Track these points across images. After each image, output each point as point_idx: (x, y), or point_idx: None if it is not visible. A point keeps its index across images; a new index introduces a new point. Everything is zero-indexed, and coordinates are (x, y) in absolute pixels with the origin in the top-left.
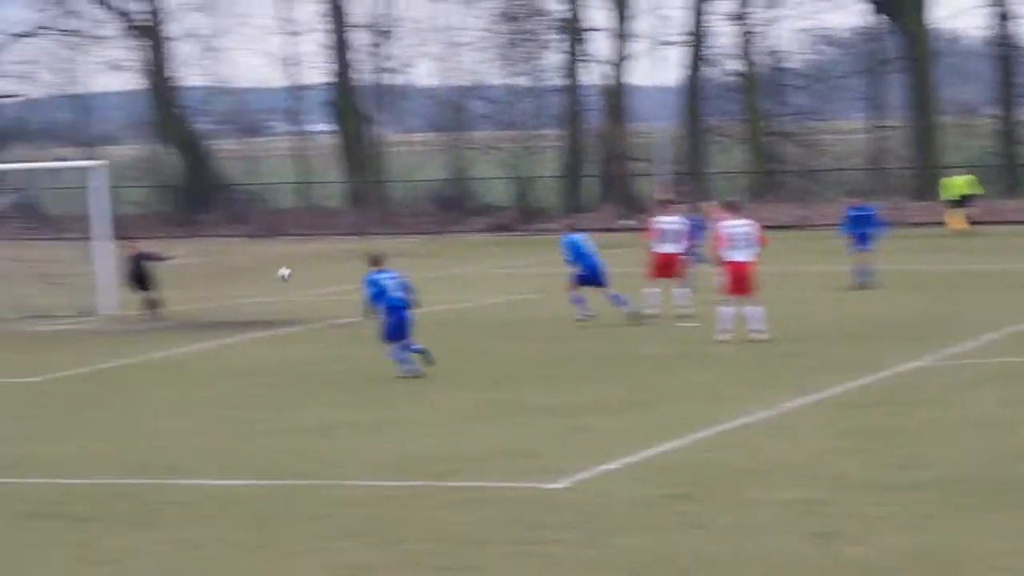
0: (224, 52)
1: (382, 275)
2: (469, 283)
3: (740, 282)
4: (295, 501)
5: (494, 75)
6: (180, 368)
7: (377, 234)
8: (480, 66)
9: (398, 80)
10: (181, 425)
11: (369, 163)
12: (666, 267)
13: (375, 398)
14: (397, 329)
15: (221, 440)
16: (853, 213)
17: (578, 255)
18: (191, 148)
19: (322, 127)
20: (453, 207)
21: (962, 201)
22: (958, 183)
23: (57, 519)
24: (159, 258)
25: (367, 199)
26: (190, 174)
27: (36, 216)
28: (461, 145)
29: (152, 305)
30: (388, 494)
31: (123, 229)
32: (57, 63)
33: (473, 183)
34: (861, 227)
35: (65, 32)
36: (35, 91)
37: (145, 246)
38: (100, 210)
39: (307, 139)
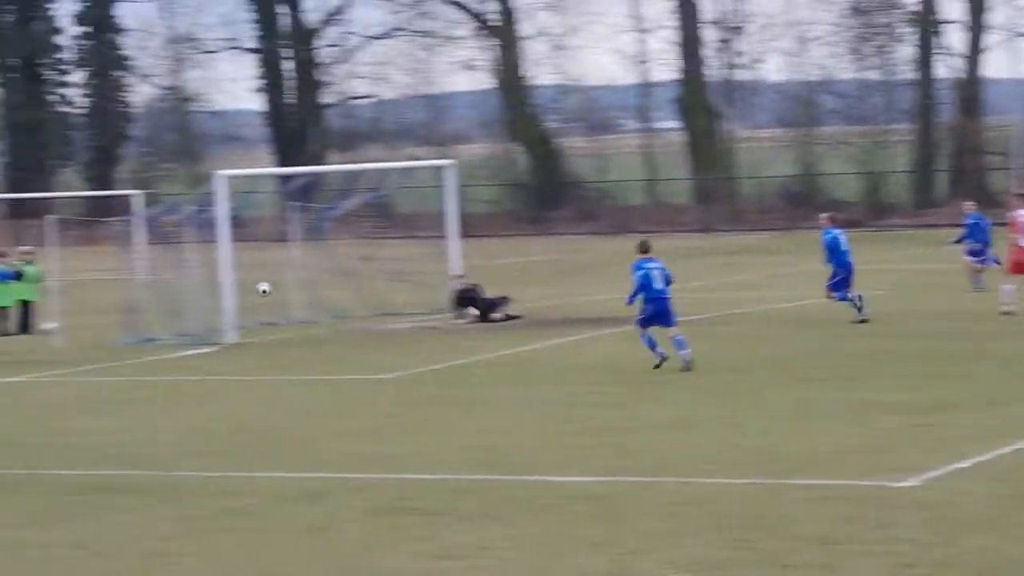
0: (574, 50)
1: (649, 264)
2: (816, 279)
3: None
4: (641, 497)
5: (844, 69)
6: (529, 365)
7: (724, 230)
8: (830, 60)
9: (747, 76)
10: (528, 421)
11: (717, 159)
12: None
13: (720, 394)
14: (654, 317)
15: (567, 436)
16: None
17: (835, 253)
18: (541, 146)
19: (671, 124)
20: (801, 203)
21: None
22: None
23: (406, 514)
24: (496, 303)
25: (715, 196)
26: (540, 172)
27: (388, 215)
28: (810, 140)
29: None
30: (733, 491)
31: (474, 227)
32: (411, 64)
33: (822, 178)
34: None
35: (419, 33)
36: (389, 92)
37: (485, 291)
38: (451, 208)
39: (656, 136)
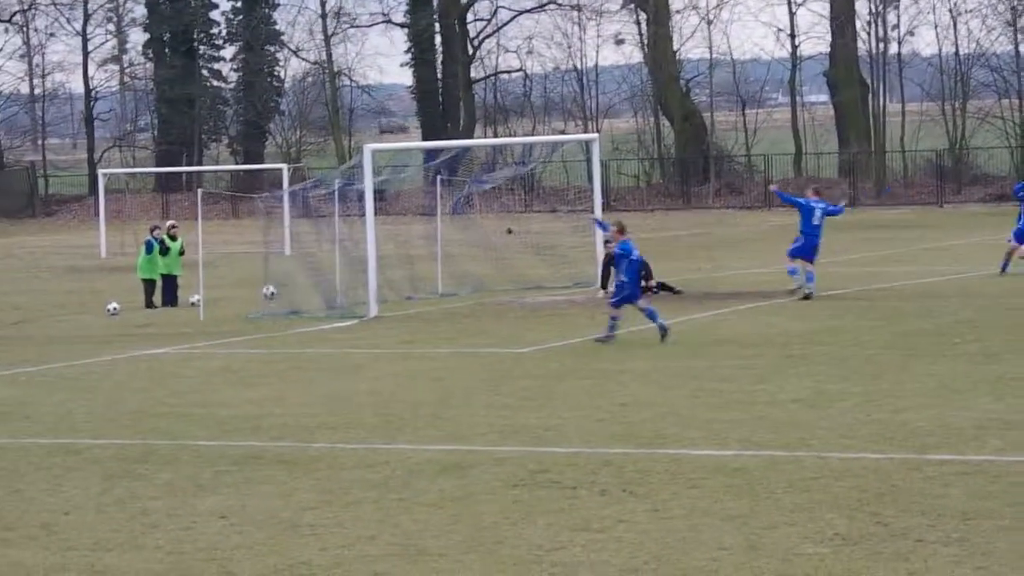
0: (724, 24)
1: (627, 244)
2: (964, 254)
3: None
4: (778, 471)
5: (998, 43)
6: (668, 339)
7: (871, 205)
8: (984, 33)
9: (899, 49)
10: (667, 395)
11: (866, 133)
12: None
13: (863, 369)
14: (634, 295)
15: (705, 410)
16: None
17: (809, 224)
18: (689, 120)
19: (819, 98)
20: (950, 177)
21: None
22: None
23: (543, 487)
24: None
25: (862, 170)
26: (687, 146)
27: (533, 189)
28: (961, 114)
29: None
30: (871, 465)
31: (619, 201)
32: (560, 38)
33: (971, 153)
34: None
35: (569, 7)
36: (537, 66)
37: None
38: (596, 182)
39: (804, 110)
